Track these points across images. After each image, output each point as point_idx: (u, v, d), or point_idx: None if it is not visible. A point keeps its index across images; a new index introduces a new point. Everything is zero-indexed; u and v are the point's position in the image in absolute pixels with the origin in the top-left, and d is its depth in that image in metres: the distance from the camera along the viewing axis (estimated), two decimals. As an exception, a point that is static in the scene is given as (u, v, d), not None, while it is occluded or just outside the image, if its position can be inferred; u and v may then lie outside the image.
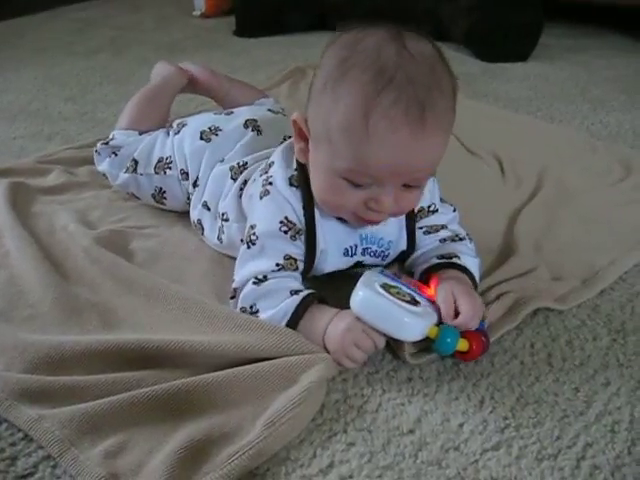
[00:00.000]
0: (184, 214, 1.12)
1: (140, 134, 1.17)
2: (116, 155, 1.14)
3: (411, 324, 0.76)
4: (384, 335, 0.78)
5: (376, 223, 0.84)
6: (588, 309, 0.92)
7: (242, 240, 0.90)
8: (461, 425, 0.73)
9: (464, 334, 0.79)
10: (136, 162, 1.11)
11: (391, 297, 0.77)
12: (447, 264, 0.88)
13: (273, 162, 0.90)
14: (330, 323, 0.80)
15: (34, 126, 1.55)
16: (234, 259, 0.92)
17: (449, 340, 0.77)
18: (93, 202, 1.17)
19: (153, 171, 1.09)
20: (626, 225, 1.12)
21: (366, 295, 0.78)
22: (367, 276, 0.82)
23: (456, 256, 0.89)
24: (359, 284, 0.80)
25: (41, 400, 0.73)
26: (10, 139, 1.47)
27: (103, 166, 1.16)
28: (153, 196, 1.12)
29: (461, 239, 0.93)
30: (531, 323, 0.89)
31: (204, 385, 0.73)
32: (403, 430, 0.72)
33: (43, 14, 2.65)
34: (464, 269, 0.88)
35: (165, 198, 1.11)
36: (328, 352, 0.79)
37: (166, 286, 0.91)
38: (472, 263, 0.90)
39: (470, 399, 0.76)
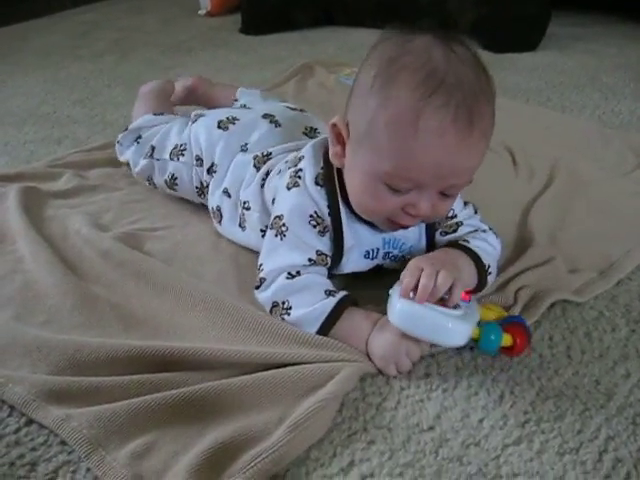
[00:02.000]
0: (197, 214, 1.12)
1: (155, 115, 1.20)
2: (139, 143, 1.18)
3: (456, 329, 0.75)
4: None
5: (407, 227, 0.84)
6: (606, 300, 0.92)
7: (262, 230, 0.91)
8: (481, 420, 0.72)
9: (505, 329, 0.77)
10: (153, 148, 1.14)
11: (429, 304, 0.75)
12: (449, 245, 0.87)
13: (303, 156, 0.90)
14: (375, 329, 0.79)
15: (43, 130, 1.55)
16: (250, 257, 0.92)
17: (493, 337, 0.76)
18: (104, 205, 1.17)
19: (168, 157, 1.12)
20: (641, 214, 1.12)
21: (404, 306, 0.75)
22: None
23: (465, 240, 0.88)
24: (393, 296, 0.78)
25: (68, 400, 0.73)
26: (20, 144, 1.47)
27: (127, 155, 1.20)
28: (166, 182, 1.14)
29: (481, 231, 0.91)
30: (549, 316, 0.88)
31: (232, 388, 0.73)
32: (423, 427, 0.72)
33: (48, 18, 2.65)
34: (465, 248, 0.85)
35: (177, 184, 1.12)
36: (368, 356, 0.79)
37: (195, 288, 0.91)
38: (481, 245, 0.87)
39: (490, 394, 0.76)
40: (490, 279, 0.87)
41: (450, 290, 0.76)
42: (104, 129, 1.55)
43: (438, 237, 0.91)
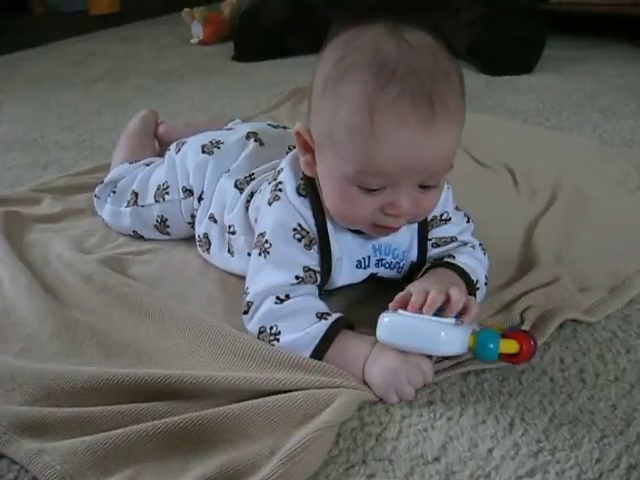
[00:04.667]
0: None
1: (130, 163, 1.15)
2: (115, 193, 1.11)
3: (451, 335, 0.70)
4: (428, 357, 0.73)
5: (395, 230, 0.79)
6: (618, 320, 0.86)
7: (249, 254, 0.86)
8: (490, 450, 0.67)
9: (509, 335, 0.73)
10: (136, 194, 1.08)
11: (418, 316, 0.72)
12: (436, 265, 0.84)
13: (282, 169, 0.85)
14: (371, 355, 0.74)
15: (30, 156, 1.51)
16: (238, 281, 0.87)
17: (492, 345, 0.70)
18: (89, 229, 1.13)
19: (153, 200, 1.06)
20: (648, 232, 1.07)
21: (393, 319, 0.72)
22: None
23: (450, 256, 0.85)
24: (380, 316, 0.74)
25: (42, 433, 0.68)
26: (5, 169, 1.43)
27: (107, 207, 1.12)
28: (156, 227, 1.07)
29: (466, 244, 0.88)
30: (559, 337, 0.83)
31: (218, 419, 0.67)
32: (427, 458, 0.66)
33: (42, 47, 2.65)
34: (452, 266, 0.82)
35: (168, 226, 1.06)
36: (365, 383, 0.74)
37: (181, 313, 0.86)
38: (468, 261, 0.84)
39: (499, 421, 0.70)
40: (479, 294, 0.84)
41: (464, 309, 0.73)
42: (92, 154, 1.51)
43: (430, 248, 0.87)
